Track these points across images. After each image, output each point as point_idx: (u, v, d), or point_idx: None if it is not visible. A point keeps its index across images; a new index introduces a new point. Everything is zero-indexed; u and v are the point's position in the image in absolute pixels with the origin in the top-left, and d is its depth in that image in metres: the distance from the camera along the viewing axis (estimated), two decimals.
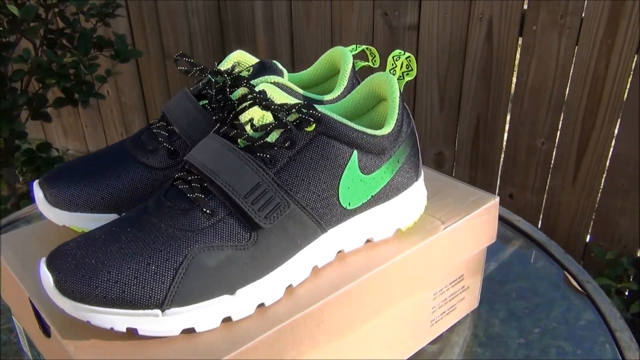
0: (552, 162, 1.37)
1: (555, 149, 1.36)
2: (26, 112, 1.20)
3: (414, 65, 0.47)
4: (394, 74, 0.47)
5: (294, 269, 0.41)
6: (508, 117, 1.39)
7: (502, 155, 1.44)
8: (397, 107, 0.45)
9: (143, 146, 0.45)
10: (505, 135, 1.41)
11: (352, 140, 0.41)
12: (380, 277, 0.44)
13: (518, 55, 1.33)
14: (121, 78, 1.78)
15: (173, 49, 1.67)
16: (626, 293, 1.32)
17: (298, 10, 1.48)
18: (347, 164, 0.41)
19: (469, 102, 1.41)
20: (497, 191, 1.47)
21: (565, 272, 0.61)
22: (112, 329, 0.36)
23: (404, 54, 0.47)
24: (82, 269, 0.36)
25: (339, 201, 0.42)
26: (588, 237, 1.40)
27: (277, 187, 0.39)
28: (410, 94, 1.46)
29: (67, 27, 1.17)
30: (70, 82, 1.16)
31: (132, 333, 0.36)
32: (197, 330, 0.37)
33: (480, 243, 0.52)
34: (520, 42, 1.31)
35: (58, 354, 0.39)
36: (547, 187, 1.40)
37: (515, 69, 1.33)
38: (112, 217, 0.44)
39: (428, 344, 0.53)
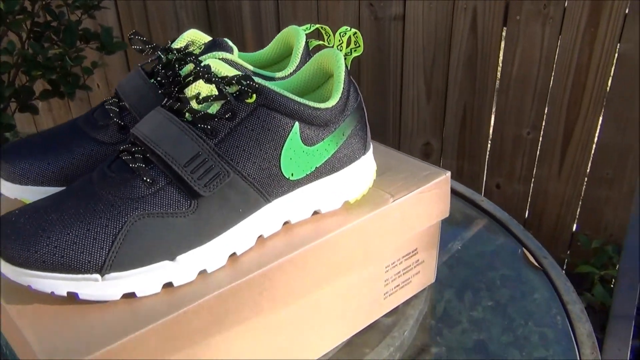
0: (538, 151, 1.38)
1: (540, 139, 1.36)
2: (14, 104, 1.22)
3: (361, 42, 0.48)
4: (340, 50, 0.47)
5: (238, 238, 0.42)
6: (494, 108, 1.40)
7: (489, 145, 1.45)
8: (343, 82, 0.46)
9: (95, 122, 0.47)
10: (492, 125, 1.42)
11: (294, 112, 0.42)
12: (326, 246, 0.45)
13: (503, 46, 1.34)
14: (111, 70, 1.80)
15: (161, 42, 1.68)
16: (612, 282, 1.33)
17: (285, 1, 1.49)
18: (288, 135, 0.42)
19: (455, 93, 1.42)
20: (484, 181, 1.48)
21: (524, 249, 0.62)
22: (52, 293, 0.37)
23: (351, 30, 0.48)
24: (23, 235, 0.37)
25: (282, 172, 0.43)
26: (574, 226, 1.40)
27: (217, 157, 0.40)
28: (397, 84, 1.47)
29: (54, 20, 1.19)
30: (56, 74, 1.18)
31: (73, 297, 0.37)
32: (138, 295, 0.39)
33: (432, 217, 0.53)
34: (504, 32, 1.32)
35: (4, 319, 0.40)
36: (533, 177, 1.41)
37: (500, 58, 1.34)
38: None
39: (382, 317, 0.54)
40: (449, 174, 0.53)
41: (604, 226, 1.36)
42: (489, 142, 1.44)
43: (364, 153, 0.48)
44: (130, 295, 0.38)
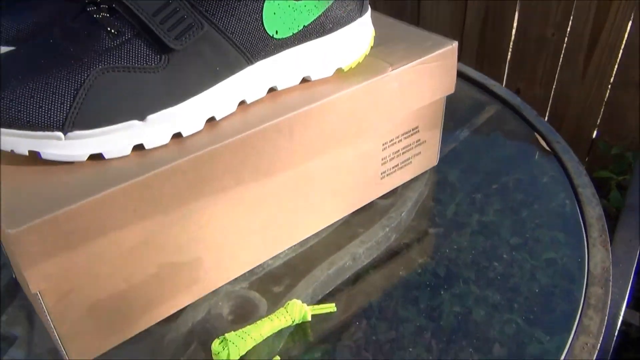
0: (562, 54, 1.30)
1: (566, 40, 1.28)
2: None
3: None
4: None
5: (216, 101, 0.39)
6: (518, 6, 1.31)
7: (510, 47, 1.37)
8: None
9: None
10: (515, 25, 1.33)
11: None
12: (315, 114, 0.41)
13: None
14: None
15: None
16: (628, 189, 1.28)
17: None
18: None
19: None
20: (503, 86, 1.41)
21: (536, 133, 0.58)
22: (12, 151, 0.34)
23: None
24: None
25: (264, 28, 0.39)
26: (595, 132, 1.34)
27: (190, 7, 0.36)
28: None
29: None
30: None
31: (35, 157, 0.35)
32: (106, 156, 0.36)
33: (435, 92, 0.49)
34: None
35: None
36: (555, 81, 1.34)
37: None
38: None
39: (379, 199, 0.51)
40: (455, 44, 0.48)
41: (625, 133, 1.30)
42: (511, 43, 1.36)
43: (360, 16, 0.44)
44: (97, 157, 0.36)
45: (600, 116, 1.32)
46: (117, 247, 0.35)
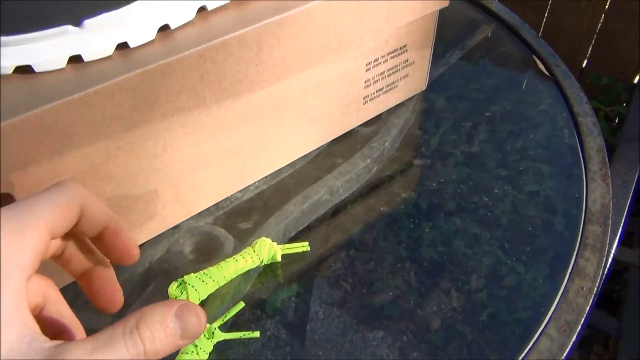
0: None
1: None
2: None
3: None
4: None
5: (170, 5, 0.32)
6: None
7: None
8: None
9: None
10: None
11: None
12: (287, 25, 0.35)
13: None
14: None
15: None
16: (616, 120, 1.25)
17: None
18: None
19: None
20: None
21: (534, 56, 0.52)
22: None
23: None
24: None
25: None
26: (585, 61, 1.29)
27: None
28: None
29: None
30: None
31: None
32: (36, 69, 0.30)
33: (425, 5, 0.43)
34: None
35: None
36: (548, 7, 1.27)
37: None
38: None
39: (361, 126, 0.46)
40: None
41: (616, 63, 1.26)
42: None
43: None
44: (25, 70, 0.30)
45: (591, 45, 1.26)
46: (54, 178, 0.30)
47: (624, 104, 1.23)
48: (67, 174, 0.31)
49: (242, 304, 0.34)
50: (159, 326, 0.19)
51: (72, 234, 0.23)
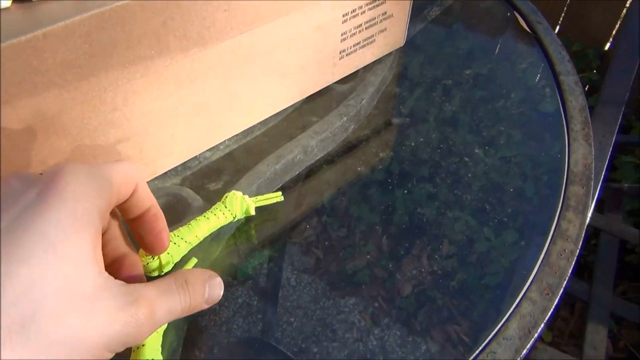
0: None
1: None
2: None
3: None
4: None
5: None
6: None
7: None
8: None
9: None
10: None
11: None
12: None
13: None
14: None
15: None
16: (586, 87, 1.25)
17: None
18: None
19: None
20: None
21: (515, 12, 0.51)
22: None
23: None
24: None
25: None
26: (557, 27, 1.28)
27: None
28: None
29: None
30: None
31: None
32: None
33: None
34: None
35: None
36: None
37: None
38: None
39: (337, 83, 0.44)
40: None
41: (588, 29, 1.25)
42: None
43: None
44: None
45: (564, 12, 1.26)
46: (3, 132, 0.27)
47: (594, 71, 1.23)
48: (16, 125, 0.28)
49: (195, 260, 0.31)
50: (199, 287, 0.23)
51: (116, 215, 0.25)
